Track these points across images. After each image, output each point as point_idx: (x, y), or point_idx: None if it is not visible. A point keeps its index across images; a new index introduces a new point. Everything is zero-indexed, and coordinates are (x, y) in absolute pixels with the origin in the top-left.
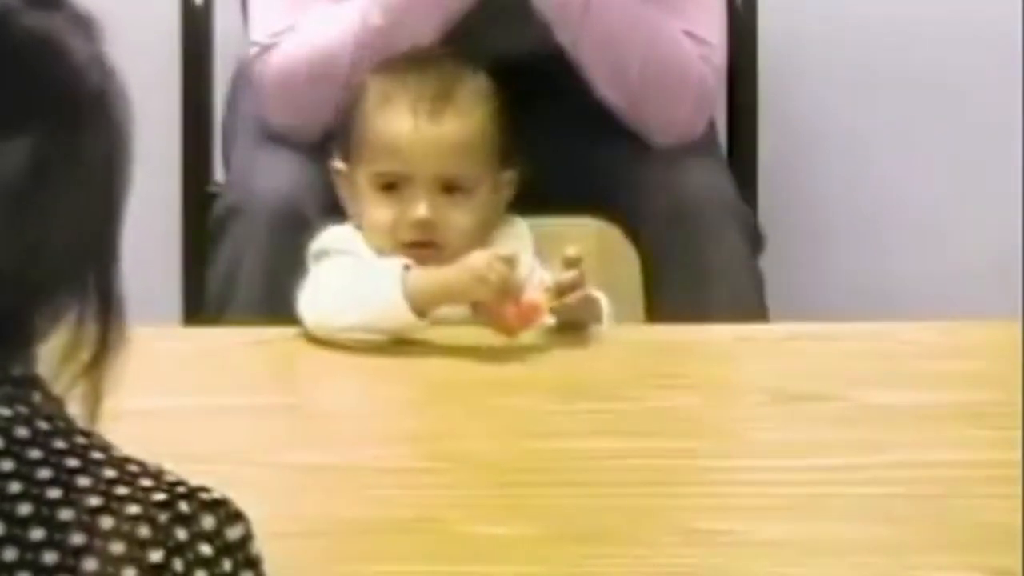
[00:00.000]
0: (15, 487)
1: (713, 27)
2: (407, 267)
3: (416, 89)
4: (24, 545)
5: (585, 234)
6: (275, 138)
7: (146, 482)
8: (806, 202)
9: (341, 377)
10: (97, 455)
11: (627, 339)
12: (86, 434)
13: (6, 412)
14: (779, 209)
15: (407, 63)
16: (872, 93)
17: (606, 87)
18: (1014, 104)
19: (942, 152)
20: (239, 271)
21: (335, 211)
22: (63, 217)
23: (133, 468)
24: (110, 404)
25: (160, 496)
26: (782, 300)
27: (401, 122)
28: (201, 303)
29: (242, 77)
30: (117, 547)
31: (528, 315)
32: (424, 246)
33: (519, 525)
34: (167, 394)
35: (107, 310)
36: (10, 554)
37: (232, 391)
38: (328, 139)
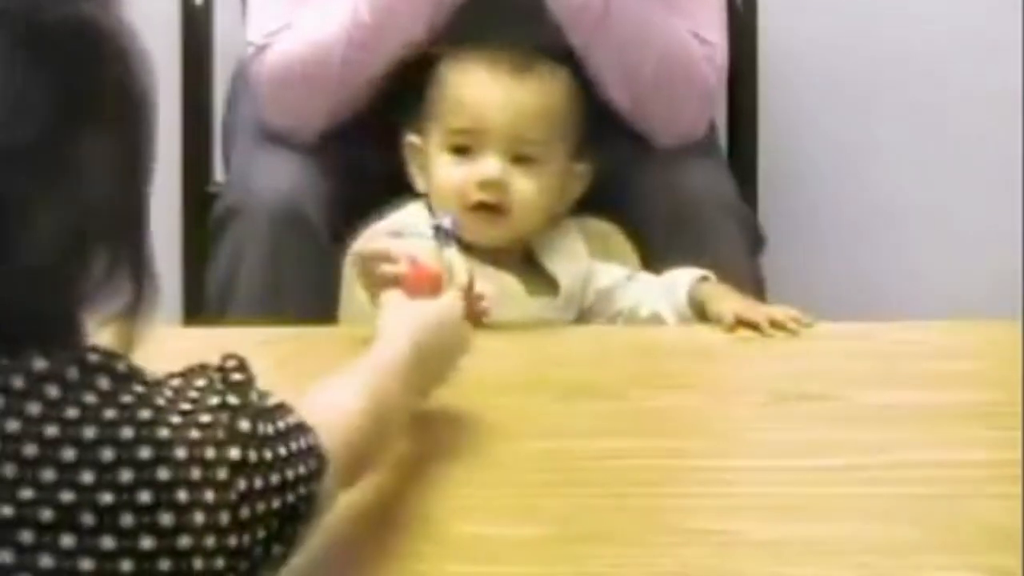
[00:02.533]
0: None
1: (714, 27)
2: (395, 234)
3: (497, 57)
4: (137, 464)
5: (586, 233)
6: (274, 138)
7: (193, 393)
8: (806, 202)
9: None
10: (150, 377)
11: (627, 339)
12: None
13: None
14: (779, 209)
15: (485, 45)
16: (872, 93)
17: (617, 88)
18: (1014, 104)
19: (942, 152)
20: (239, 271)
21: (335, 211)
22: (96, 177)
23: (177, 383)
24: None
25: (214, 400)
26: (782, 300)
27: (479, 80)
28: (201, 303)
29: (241, 77)
30: (209, 452)
31: (422, 283)
32: (490, 209)
33: (519, 525)
34: None
35: (139, 268)
36: (126, 475)
37: None
38: (329, 138)
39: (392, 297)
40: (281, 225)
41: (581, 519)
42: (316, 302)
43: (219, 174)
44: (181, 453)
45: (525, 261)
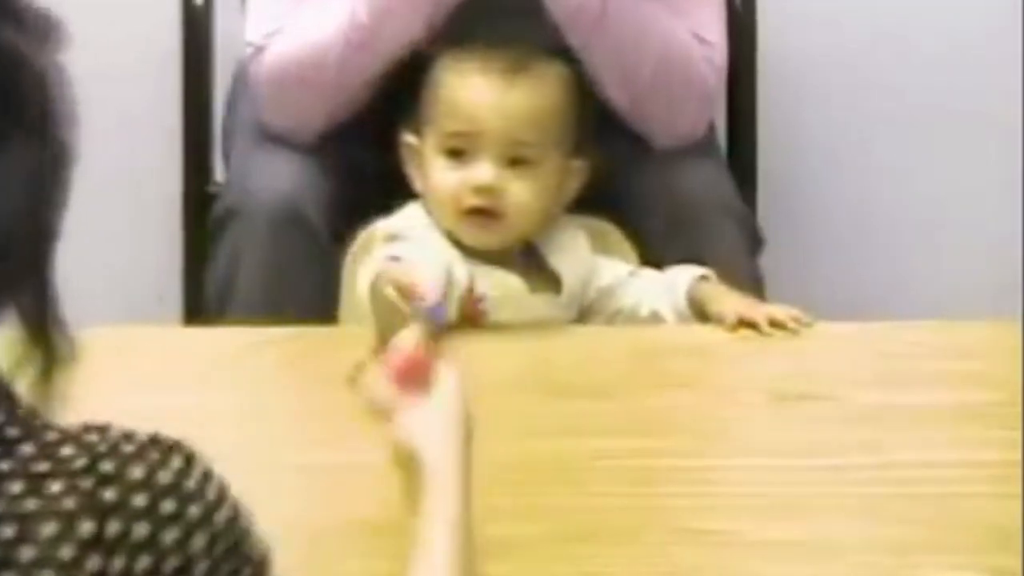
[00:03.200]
0: None
1: (713, 27)
2: (394, 258)
3: (491, 58)
4: None
5: (585, 234)
6: (274, 138)
7: (67, 451)
8: (805, 203)
9: (341, 377)
10: (13, 432)
11: (627, 339)
12: (6, 410)
13: None
14: (779, 209)
15: (481, 43)
16: (871, 93)
17: (615, 89)
18: (1014, 104)
19: (942, 151)
20: (239, 271)
21: (335, 211)
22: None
23: (52, 437)
24: (112, 404)
25: (82, 462)
26: (781, 300)
27: (473, 84)
28: (201, 303)
29: (241, 78)
30: (48, 529)
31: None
32: (485, 214)
33: (519, 525)
34: (167, 394)
35: (46, 322)
36: None
37: (232, 391)
38: (329, 138)
39: (412, 422)
40: (281, 225)
41: (580, 519)
42: (316, 302)
43: (219, 174)
44: (8, 531)
45: (527, 258)
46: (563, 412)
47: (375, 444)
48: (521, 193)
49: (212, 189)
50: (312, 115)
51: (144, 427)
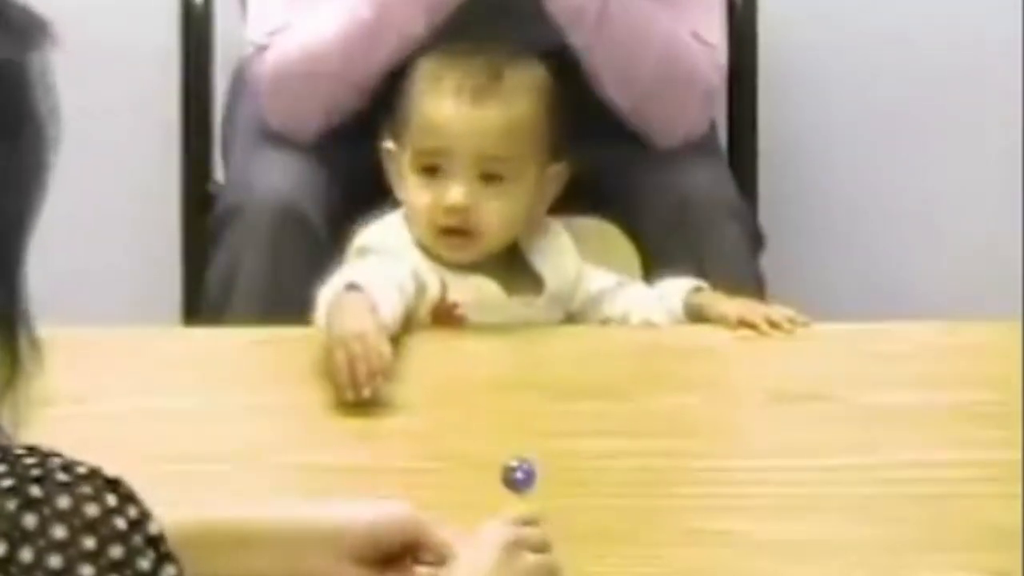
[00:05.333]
0: None
1: (714, 27)
2: (351, 286)
3: (465, 71)
4: None
5: (586, 233)
6: (274, 138)
7: None
8: (806, 202)
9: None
10: None
11: (627, 339)
12: None
13: None
14: (779, 209)
15: (459, 47)
16: (872, 92)
17: (616, 89)
18: (1014, 104)
19: (941, 151)
20: (239, 271)
21: (335, 211)
22: None
23: None
24: (112, 405)
25: (8, 483)
26: (782, 300)
27: (445, 101)
28: (201, 303)
29: (241, 77)
30: None
31: None
32: (459, 233)
33: None
34: (167, 394)
35: (14, 326)
36: None
37: (232, 391)
38: (329, 138)
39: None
40: (281, 225)
41: (580, 519)
42: (316, 302)
43: (219, 174)
44: None
45: (508, 260)
46: (563, 412)
47: (372, 444)
48: (495, 211)
49: (212, 189)
50: (314, 113)
51: (146, 426)
